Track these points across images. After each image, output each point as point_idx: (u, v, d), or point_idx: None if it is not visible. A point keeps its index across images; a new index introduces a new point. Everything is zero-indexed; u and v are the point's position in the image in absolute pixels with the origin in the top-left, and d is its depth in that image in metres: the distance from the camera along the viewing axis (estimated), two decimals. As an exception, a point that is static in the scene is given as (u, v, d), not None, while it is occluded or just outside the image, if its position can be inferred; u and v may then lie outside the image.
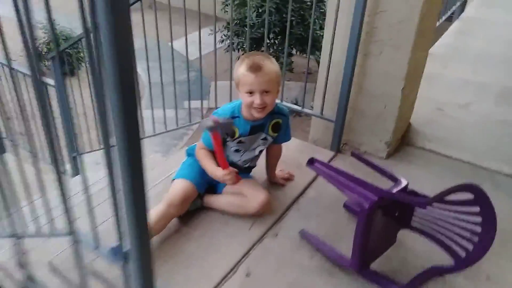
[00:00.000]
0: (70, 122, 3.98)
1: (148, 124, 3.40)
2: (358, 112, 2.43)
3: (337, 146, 2.48)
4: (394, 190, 1.65)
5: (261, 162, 2.18)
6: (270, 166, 2.19)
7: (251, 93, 1.76)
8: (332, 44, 2.28)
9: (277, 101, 2.00)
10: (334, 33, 2.25)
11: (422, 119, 2.74)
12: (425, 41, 2.30)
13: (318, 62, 8.32)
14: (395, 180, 1.73)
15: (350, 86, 2.29)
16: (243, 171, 2.07)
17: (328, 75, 2.38)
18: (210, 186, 2.04)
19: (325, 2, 6.53)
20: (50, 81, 3.67)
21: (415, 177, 1.84)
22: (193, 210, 2.01)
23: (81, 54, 8.70)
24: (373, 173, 1.84)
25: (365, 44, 2.23)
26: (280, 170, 2.26)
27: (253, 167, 2.15)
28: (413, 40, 2.10)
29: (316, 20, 6.55)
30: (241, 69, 1.76)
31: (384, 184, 1.68)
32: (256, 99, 1.75)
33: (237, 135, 1.92)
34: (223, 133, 1.85)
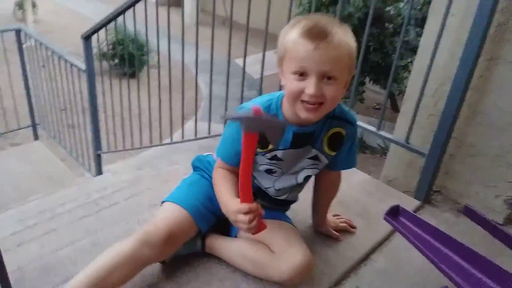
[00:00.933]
0: (96, 118, 3.48)
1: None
2: (466, 147, 1.61)
3: (426, 194, 1.65)
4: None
5: (307, 196, 1.41)
6: (320, 206, 1.40)
7: (302, 74, 1.01)
8: (440, 37, 1.50)
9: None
10: (445, 18, 1.47)
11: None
12: None
13: (391, 97, 7.50)
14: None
15: (459, 106, 1.49)
16: (276, 207, 1.33)
17: (424, 85, 1.59)
18: (220, 221, 1.29)
19: (409, 31, 5.78)
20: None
21: None
22: (186, 254, 1.29)
23: (145, 57, 8.56)
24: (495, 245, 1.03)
25: (493, 43, 1.44)
26: (335, 216, 1.48)
27: (292, 202, 1.39)
28: None
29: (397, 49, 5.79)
30: (292, 34, 1.02)
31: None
32: (310, 86, 1.00)
33: (271, 145, 1.18)
34: (263, 139, 1.09)
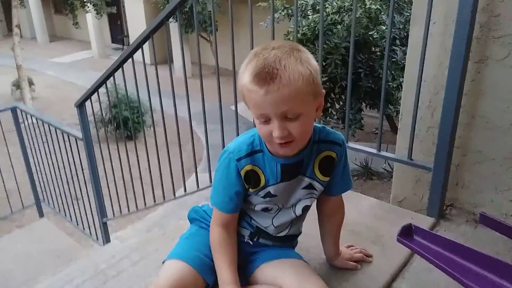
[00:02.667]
0: (98, 185, 3.45)
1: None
2: (471, 155, 1.55)
3: (439, 209, 1.57)
4: None
5: (316, 232, 1.34)
6: (329, 236, 1.31)
7: (264, 119, 0.98)
8: (425, 45, 1.47)
9: (318, 124, 1.14)
10: (427, 27, 1.45)
11: None
12: None
13: (389, 119, 7.47)
14: None
15: (456, 114, 1.45)
16: (281, 244, 1.25)
17: (418, 98, 1.56)
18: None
19: (396, 51, 5.84)
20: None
21: None
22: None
23: (141, 118, 8.68)
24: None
25: (479, 44, 1.42)
26: (349, 247, 1.40)
27: (297, 235, 1.32)
28: None
29: (388, 71, 5.82)
30: (244, 78, 0.97)
31: None
32: (274, 130, 0.96)
33: (262, 183, 1.12)
34: (254, 179, 1.11)
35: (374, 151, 1.73)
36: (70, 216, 4.03)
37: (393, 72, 5.79)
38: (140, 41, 2.41)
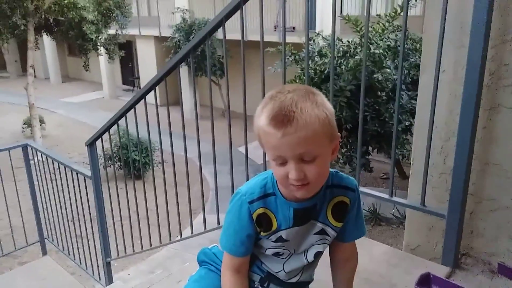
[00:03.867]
0: (104, 223, 3.42)
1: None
2: (485, 202, 1.53)
3: (454, 258, 1.54)
4: None
5: (328, 279, 1.30)
6: (341, 284, 1.27)
7: (281, 161, 0.98)
8: (435, 93, 1.49)
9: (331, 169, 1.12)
10: (437, 75, 1.47)
11: None
12: None
13: (397, 164, 7.46)
14: None
15: (469, 160, 1.44)
16: None
17: (430, 144, 1.56)
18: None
19: (402, 95, 5.91)
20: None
21: None
22: None
23: (148, 159, 8.73)
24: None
25: (489, 92, 1.43)
26: (361, 295, 1.35)
27: (309, 282, 1.28)
28: None
29: (394, 114, 5.86)
30: (261, 121, 0.98)
31: None
32: (291, 171, 0.96)
33: (274, 227, 1.10)
34: (265, 222, 1.09)
35: (386, 196, 1.72)
36: (74, 255, 3.97)
37: (399, 116, 5.83)
38: (154, 82, 2.46)
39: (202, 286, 1.19)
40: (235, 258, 1.13)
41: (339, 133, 1.03)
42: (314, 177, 0.97)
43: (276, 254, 1.15)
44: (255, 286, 1.21)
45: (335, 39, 6.70)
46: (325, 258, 1.24)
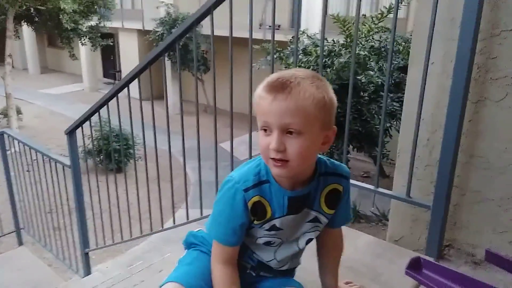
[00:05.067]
0: (83, 213, 3.35)
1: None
2: (470, 194, 1.55)
3: (438, 249, 1.55)
4: None
5: (313, 267, 1.29)
6: (328, 269, 1.26)
7: (267, 129, 0.97)
8: (424, 85, 1.50)
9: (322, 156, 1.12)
10: (426, 67, 1.48)
11: None
12: None
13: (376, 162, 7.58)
14: None
15: (455, 153, 1.46)
16: (280, 275, 1.21)
17: (417, 136, 1.57)
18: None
19: (382, 95, 5.99)
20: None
21: None
22: None
23: (130, 151, 8.59)
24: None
25: (477, 85, 1.45)
26: (347, 283, 1.35)
27: (296, 266, 1.27)
28: None
29: (376, 115, 5.94)
30: (260, 87, 0.99)
31: None
32: (273, 141, 0.95)
33: (268, 215, 1.07)
34: (260, 210, 1.08)
35: (372, 187, 1.73)
36: (51, 246, 3.88)
37: (380, 116, 5.91)
38: (137, 71, 2.42)
39: (196, 268, 1.16)
40: (225, 247, 1.10)
41: (335, 127, 1.01)
42: (294, 154, 0.95)
43: (268, 243, 1.13)
44: (247, 271, 1.20)
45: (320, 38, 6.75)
46: (311, 246, 1.23)
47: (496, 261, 1.00)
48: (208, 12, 1.99)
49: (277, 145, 0.93)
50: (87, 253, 3.38)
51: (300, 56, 6.08)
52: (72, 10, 10.20)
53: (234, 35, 2.04)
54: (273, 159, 0.96)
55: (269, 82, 0.96)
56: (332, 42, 6.11)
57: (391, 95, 5.85)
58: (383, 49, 6.01)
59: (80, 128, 3.10)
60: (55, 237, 3.86)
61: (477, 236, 1.56)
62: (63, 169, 3.37)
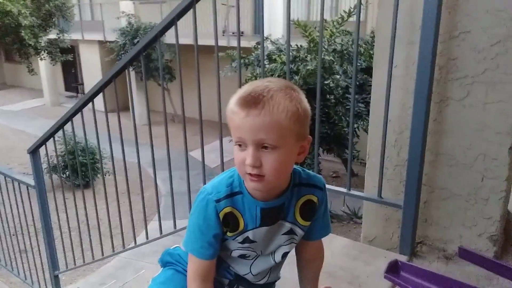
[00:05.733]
0: (51, 235, 3.24)
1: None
2: (438, 191, 1.59)
3: (411, 247, 1.59)
4: None
5: (292, 276, 1.30)
6: (308, 281, 1.26)
7: (241, 145, 0.96)
8: (389, 88, 1.54)
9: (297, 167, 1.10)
10: (391, 70, 1.52)
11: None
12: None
13: (346, 163, 7.70)
14: None
15: (423, 152, 1.50)
16: None
17: (385, 138, 1.60)
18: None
19: (350, 99, 6.11)
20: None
21: None
22: None
23: (97, 165, 8.36)
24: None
25: (439, 86, 1.50)
26: (325, 288, 1.36)
27: (275, 281, 1.26)
28: (521, 69, 1.35)
29: (343, 117, 6.04)
30: (232, 100, 0.97)
31: None
32: (248, 157, 0.94)
33: (241, 227, 1.06)
34: (232, 222, 1.05)
35: (345, 190, 1.75)
36: (18, 270, 3.73)
37: (347, 118, 6.02)
38: (102, 84, 2.36)
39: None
40: (202, 262, 1.07)
41: (310, 137, 1.01)
42: (270, 170, 0.93)
43: (243, 256, 1.12)
44: None
45: (284, 43, 6.82)
46: (292, 255, 1.23)
47: (469, 257, 1.03)
48: (172, 23, 1.97)
49: (252, 161, 0.92)
50: (57, 276, 3.26)
51: (265, 62, 6.12)
52: (32, 25, 9.91)
53: (198, 43, 2.03)
54: (249, 174, 0.95)
55: (242, 97, 0.93)
56: (296, 47, 6.19)
57: (356, 96, 5.97)
58: (345, 52, 6.13)
59: (43, 145, 3.00)
60: (22, 260, 3.71)
61: (447, 231, 1.60)
62: (27, 189, 3.25)
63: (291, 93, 0.94)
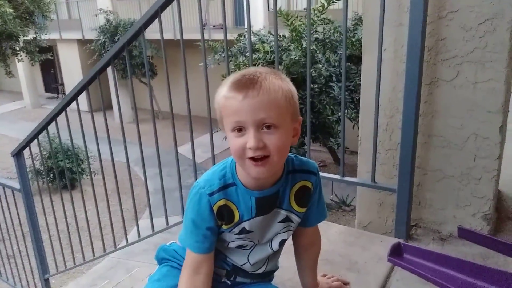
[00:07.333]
0: (39, 239, 3.18)
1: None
2: (431, 173, 1.59)
3: (406, 230, 1.58)
4: None
5: (291, 263, 1.28)
6: (307, 267, 1.26)
7: (240, 130, 0.93)
8: (379, 72, 1.53)
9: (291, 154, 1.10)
10: (380, 54, 1.51)
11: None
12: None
13: (332, 152, 7.74)
14: None
15: (415, 134, 1.49)
16: (258, 280, 1.19)
17: (377, 122, 1.59)
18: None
19: (333, 87, 6.12)
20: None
21: None
22: None
23: (83, 165, 8.25)
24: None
25: (429, 67, 1.49)
26: (324, 276, 1.35)
27: (274, 270, 1.25)
28: (510, 47, 1.35)
29: (327, 106, 6.05)
30: (223, 90, 0.95)
31: None
32: (250, 140, 0.91)
33: (236, 219, 1.05)
34: (227, 214, 1.04)
35: (338, 177, 1.74)
36: (7, 276, 3.66)
37: (332, 107, 6.04)
38: (86, 82, 2.31)
39: (166, 284, 1.12)
40: (197, 255, 1.06)
41: (301, 118, 1.00)
42: (274, 149, 0.92)
43: (240, 247, 1.11)
44: (222, 280, 1.17)
45: (266, 34, 6.78)
46: (288, 245, 1.22)
47: (469, 236, 1.03)
48: (156, 15, 1.93)
49: (255, 142, 0.90)
50: (47, 279, 3.21)
51: (247, 54, 6.09)
52: (17, 15, 9.65)
53: (179, 37, 2.00)
54: (251, 158, 0.93)
55: (236, 81, 0.93)
56: (279, 36, 6.16)
57: (339, 84, 5.98)
58: (327, 40, 6.13)
59: (27, 147, 2.93)
60: (11, 266, 3.64)
61: (441, 212, 1.60)
62: (13, 193, 3.17)
63: (280, 75, 0.96)
